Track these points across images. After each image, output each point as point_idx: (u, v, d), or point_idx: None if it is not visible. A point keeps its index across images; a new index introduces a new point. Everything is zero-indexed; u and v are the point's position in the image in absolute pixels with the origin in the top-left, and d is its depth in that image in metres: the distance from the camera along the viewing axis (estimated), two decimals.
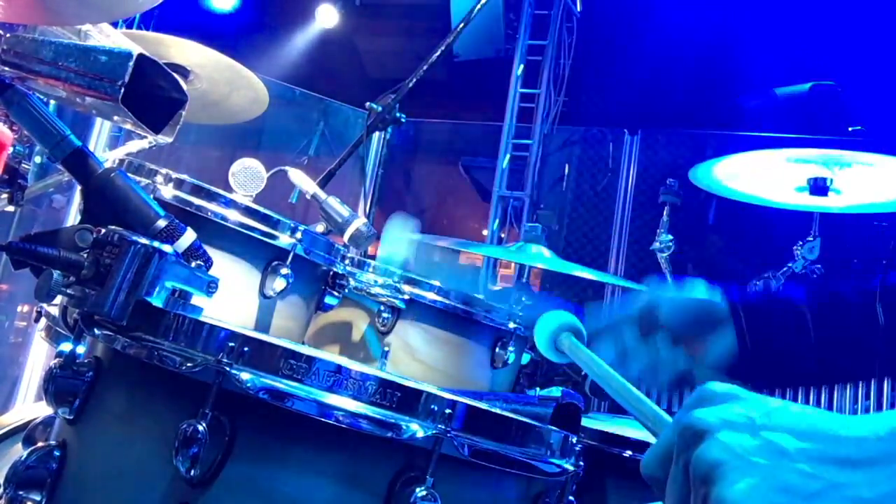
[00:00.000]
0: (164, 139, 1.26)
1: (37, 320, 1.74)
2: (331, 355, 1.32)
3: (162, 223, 1.16)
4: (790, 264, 3.30)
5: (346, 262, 1.79)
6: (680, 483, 0.58)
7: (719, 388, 0.60)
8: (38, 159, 1.45)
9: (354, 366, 1.04)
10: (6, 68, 1.16)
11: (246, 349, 0.98)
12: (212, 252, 1.24)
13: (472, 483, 1.06)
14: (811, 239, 3.25)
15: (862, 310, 1.23)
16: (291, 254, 1.55)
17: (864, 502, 0.50)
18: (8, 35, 1.17)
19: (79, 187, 1.20)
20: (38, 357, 4.14)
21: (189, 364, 0.98)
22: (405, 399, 0.99)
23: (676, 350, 1.15)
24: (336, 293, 1.72)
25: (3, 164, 1.34)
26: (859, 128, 5.19)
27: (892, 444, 0.52)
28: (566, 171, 6.36)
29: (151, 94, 1.18)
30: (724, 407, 0.58)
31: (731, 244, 5.17)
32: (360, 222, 1.81)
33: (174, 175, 1.51)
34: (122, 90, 1.11)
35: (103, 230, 1.08)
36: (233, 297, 1.50)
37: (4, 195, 1.37)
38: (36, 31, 1.43)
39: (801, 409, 0.56)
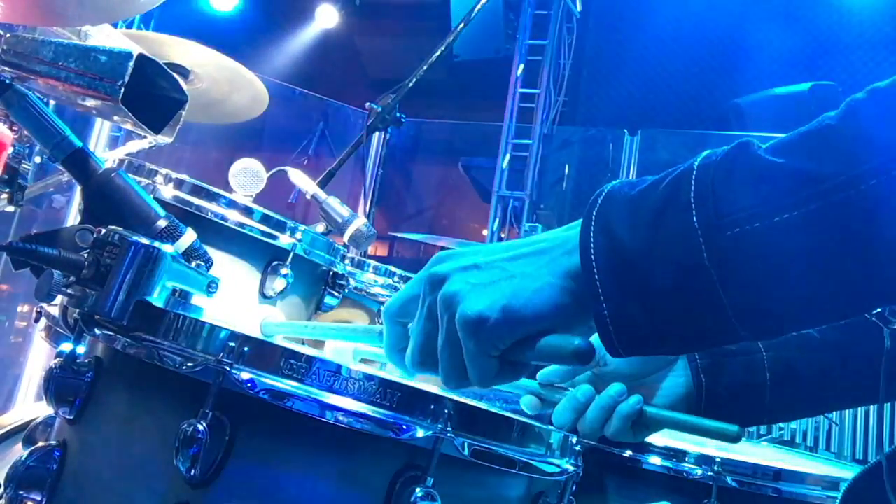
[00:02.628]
0: (164, 139, 1.26)
1: (37, 320, 1.73)
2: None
3: (162, 223, 1.16)
4: None
5: (346, 262, 1.79)
6: (425, 318, 0.80)
7: (446, 252, 0.82)
8: (38, 159, 1.45)
9: (354, 366, 1.04)
10: (6, 68, 1.16)
11: (246, 349, 0.97)
12: (212, 252, 1.24)
13: (472, 483, 1.06)
14: None
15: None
16: (291, 254, 1.55)
17: (521, 275, 0.76)
18: (8, 35, 1.17)
19: (79, 187, 1.20)
20: (38, 357, 4.13)
21: (189, 364, 0.98)
22: (405, 399, 0.99)
23: (632, 395, 1.09)
24: (336, 293, 1.72)
25: (3, 164, 1.34)
26: None
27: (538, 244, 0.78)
28: (566, 171, 6.37)
29: (151, 94, 1.18)
30: (453, 260, 0.80)
31: None
32: (360, 222, 1.81)
33: (174, 175, 1.51)
34: (122, 90, 1.11)
35: (103, 230, 1.08)
36: (233, 297, 1.50)
37: (4, 195, 1.36)
38: (36, 32, 1.43)
39: (502, 244, 0.80)
